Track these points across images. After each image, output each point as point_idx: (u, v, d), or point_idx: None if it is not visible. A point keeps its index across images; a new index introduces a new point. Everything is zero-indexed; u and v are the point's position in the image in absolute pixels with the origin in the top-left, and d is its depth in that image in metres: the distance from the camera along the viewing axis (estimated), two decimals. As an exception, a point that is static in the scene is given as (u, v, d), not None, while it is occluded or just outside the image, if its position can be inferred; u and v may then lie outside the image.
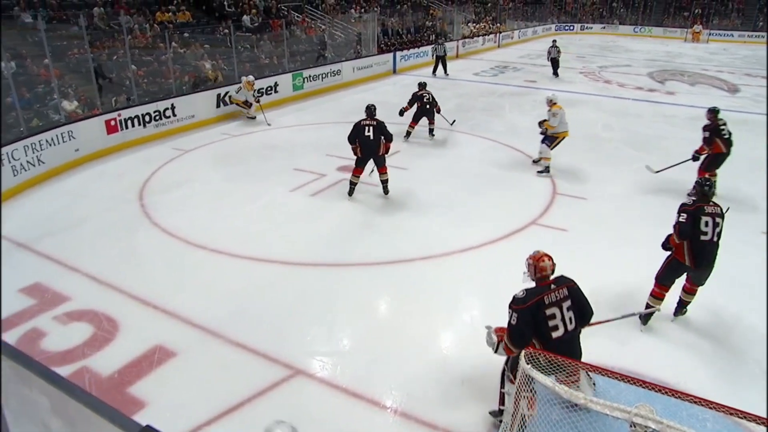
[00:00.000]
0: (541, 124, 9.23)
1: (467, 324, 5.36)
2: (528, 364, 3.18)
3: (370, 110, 8.04)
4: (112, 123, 10.49)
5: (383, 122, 7.95)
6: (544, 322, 3.70)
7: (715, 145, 8.09)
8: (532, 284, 3.86)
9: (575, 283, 3.91)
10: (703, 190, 5.20)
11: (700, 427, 3.43)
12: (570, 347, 3.71)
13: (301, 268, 6.33)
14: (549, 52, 19.02)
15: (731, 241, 5.51)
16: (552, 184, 8.92)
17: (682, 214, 5.06)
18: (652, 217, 7.79)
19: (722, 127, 8.12)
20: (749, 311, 5.52)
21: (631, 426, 2.65)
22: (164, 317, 5.36)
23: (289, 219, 7.65)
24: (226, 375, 4.62)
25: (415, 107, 11.11)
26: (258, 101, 12.86)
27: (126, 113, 10.80)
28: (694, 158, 8.30)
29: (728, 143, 8.11)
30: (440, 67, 19.09)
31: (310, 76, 15.65)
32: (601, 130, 12.17)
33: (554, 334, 3.70)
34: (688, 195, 5.09)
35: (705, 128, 8.16)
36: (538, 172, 9.25)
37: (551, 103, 9.10)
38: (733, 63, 21.93)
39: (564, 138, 9.16)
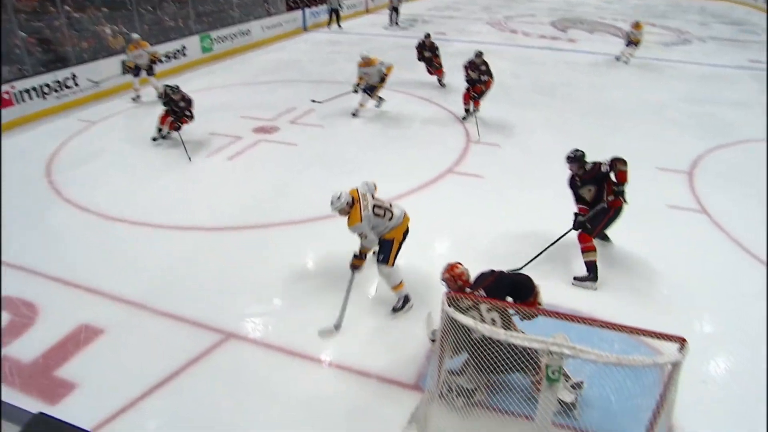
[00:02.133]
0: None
1: (378, 293, 5.44)
2: (450, 306, 3.28)
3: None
4: (6, 96, 9.65)
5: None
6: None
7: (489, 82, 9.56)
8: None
9: (494, 278, 3.92)
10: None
11: (608, 348, 3.69)
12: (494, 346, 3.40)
13: (227, 233, 6.20)
14: None
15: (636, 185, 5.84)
16: (465, 133, 9.09)
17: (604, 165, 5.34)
18: (560, 159, 8.14)
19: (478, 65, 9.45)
20: (657, 250, 5.91)
21: (548, 354, 2.81)
22: (87, 296, 5.12)
23: (209, 185, 7.42)
24: (158, 347, 4.51)
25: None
26: (150, 71, 10.98)
27: (20, 85, 9.93)
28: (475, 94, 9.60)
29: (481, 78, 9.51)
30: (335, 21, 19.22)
31: (218, 38, 14.95)
32: (509, 78, 12.42)
33: (473, 335, 3.43)
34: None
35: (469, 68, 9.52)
36: (352, 114, 9.87)
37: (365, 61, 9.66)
38: (625, 12, 22.80)
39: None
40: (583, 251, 5.39)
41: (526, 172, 7.73)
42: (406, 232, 4.91)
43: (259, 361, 4.39)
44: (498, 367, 3.29)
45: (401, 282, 4.90)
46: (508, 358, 3.21)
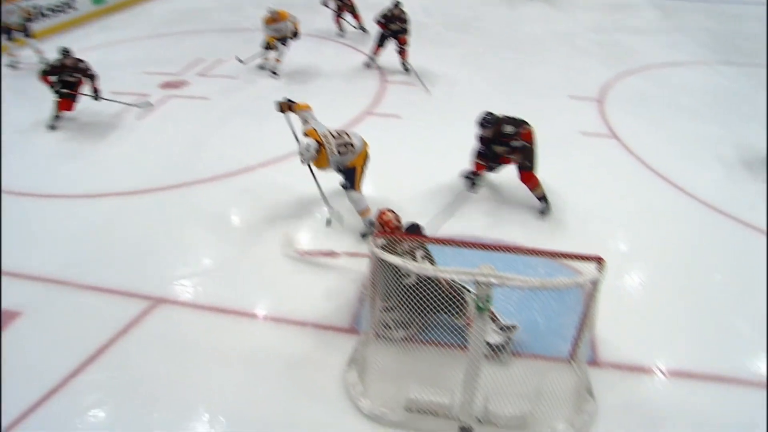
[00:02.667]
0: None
1: (320, 220, 5.44)
2: (379, 248, 3.33)
3: None
4: None
5: None
6: (396, 269, 3.50)
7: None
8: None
9: (421, 229, 4.16)
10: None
11: (532, 273, 3.87)
12: (422, 292, 3.53)
13: (144, 195, 5.94)
14: None
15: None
16: (380, 74, 9.01)
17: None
18: (477, 94, 8.27)
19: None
20: (572, 176, 6.16)
21: (475, 284, 2.91)
22: (-4, 278, 4.81)
23: (120, 147, 7.02)
24: (83, 322, 4.31)
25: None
26: (26, 32, 9.66)
27: None
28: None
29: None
30: None
31: (111, -13, 13.84)
32: (422, 16, 12.31)
33: (405, 281, 3.62)
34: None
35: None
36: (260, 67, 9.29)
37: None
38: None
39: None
40: (533, 189, 5.54)
41: (446, 111, 7.79)
42: (367, 158, 5.16)
43: (192, 323, 4.31)
44: (428, 309, 3.41)
45: (368, 207, 5.15)
46: (437, 299, 3.31)
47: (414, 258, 3.81)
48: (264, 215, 5.52)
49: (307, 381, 3.81)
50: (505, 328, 3.91)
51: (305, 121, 5.18)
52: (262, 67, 9.25)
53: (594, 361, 3.92)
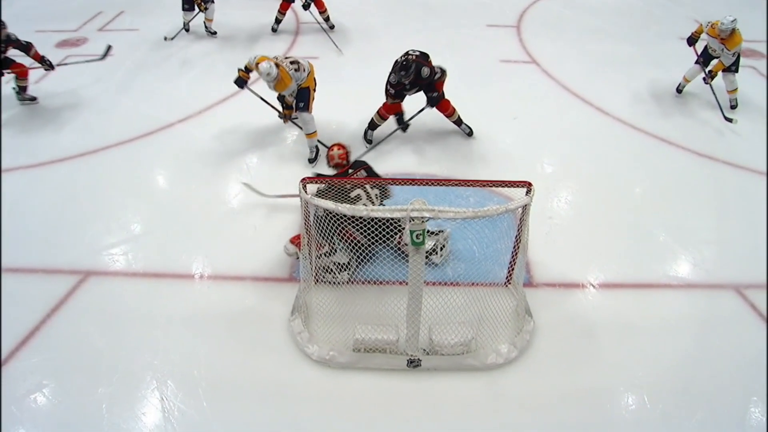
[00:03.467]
0: None
1: (244, 171, 5.36)
2: (310, 193, 3.32)
3: None
4: None
5: None
6: (351, 203, 3.84)
7: None
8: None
9: (369, 165, 4.28)
10: None
11: (465, 204, 3.98)
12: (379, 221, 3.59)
13: (53, 166, 5.58)
14: None
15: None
16: (296, 18, 8.70)
17: None
18: (391, 30, 8.14)
19: None
20: (494, 103, 6.23)
21: (410, 221, 2.95)
22: None
23: (19, 117, 6.51)
24: (8, 307, 4.07)
25: None
26: None
27: None
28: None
29: None
30: None
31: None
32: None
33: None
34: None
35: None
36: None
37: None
38: None
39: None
40: (449, 116, 5.60)
41: (361, 50, 7.64)
42: (315, 80, 5.46)
43: (126, 292, 4.19)
44: (368, 242, 3.45)
45: (315, 131, 5.47)
46: (374, 231, 3.34)
47: (368, 195, 3.97)
48: (188, 173, 5.35)
49: (253, 335, 3.82)
50: (432, 233, 4.09)
51: (254, 62, 5.24)
52: (188, 30, 8.56)
53: (530, 283, 4.13)
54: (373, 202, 4.03)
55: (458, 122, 5.67)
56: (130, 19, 8.96)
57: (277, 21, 8.14)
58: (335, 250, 4.02)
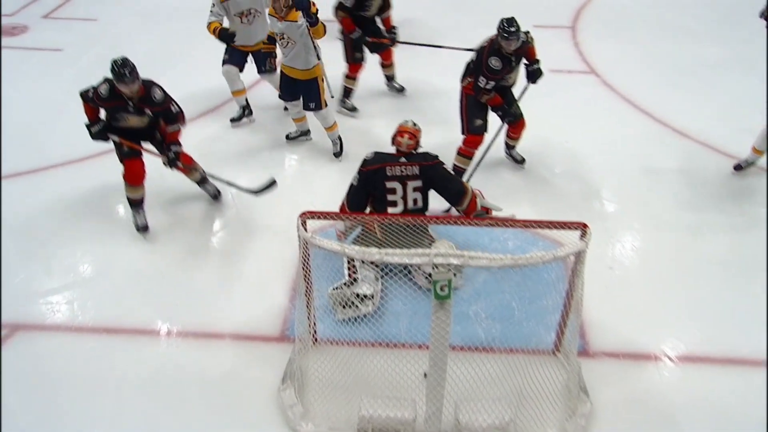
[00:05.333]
0: None
1: (229, 201, 5.52)
2: (308, 233, 3.43)
3: None
4: None
5: None
6: (382, 193, 4.46)
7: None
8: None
9: (436, 163, 4.53)
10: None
11: (502, 248, 4.06)
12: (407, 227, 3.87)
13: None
14: None
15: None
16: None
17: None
18: (420, 30, 8.32)
19: None
20: (544, 124, 6.33)
21: (433, 267, 3.03)
22: None
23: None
24: None
25: None
26: None
27: None
28: None
29: None
30: None
31: None
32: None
33: (390, 209, 4.45)
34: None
35: None
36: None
37: None
38: None
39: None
40: (518, 139, 5.82)
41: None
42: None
43: (67, 351, 4.26)
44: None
45: (335, 122, 6.03)
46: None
47: (404, 185, 4.47)
48: (153, 200, 5.41)
49: (232, 407, 3.87)
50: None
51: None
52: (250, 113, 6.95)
53: (585, 351, 4.12)
54: (406, 207, 4.44)
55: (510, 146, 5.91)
56: (85, 5, 9.29)
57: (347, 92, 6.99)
58: (356, 280, 4.26)
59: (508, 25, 4.99)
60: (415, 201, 4.49)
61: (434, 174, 4.51)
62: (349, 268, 4.37)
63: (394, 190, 4.46)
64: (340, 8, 6.31)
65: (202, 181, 5.36)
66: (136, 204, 5.12)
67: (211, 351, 4.25)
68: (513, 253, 3.12)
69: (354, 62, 6.61)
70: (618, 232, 5.16)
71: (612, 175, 5.80)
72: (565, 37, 8.16)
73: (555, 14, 8.70)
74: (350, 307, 4.26)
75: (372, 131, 6.39)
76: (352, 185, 4.54)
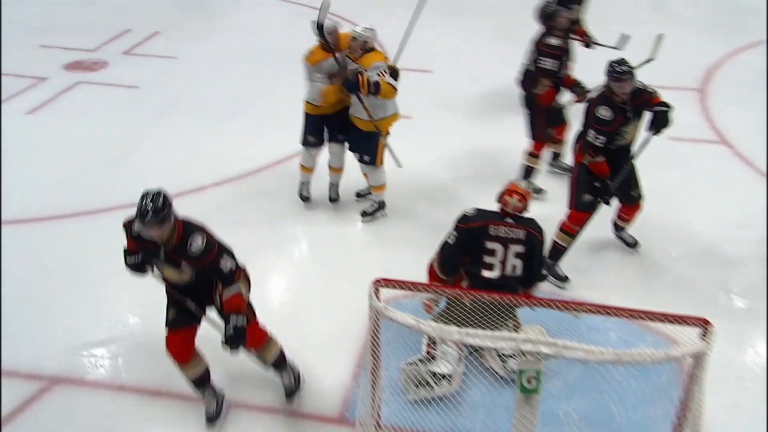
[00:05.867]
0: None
1: (298, 266, 5.51)
2: (381, 302, 3.34)
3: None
4: None
5: None
6: (480, 253, 4.32)
7: None
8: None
9: (541, 235, 4.41)
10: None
11: (602, 339, 3.86)
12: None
13: (35, 226, 6.00)
14: None
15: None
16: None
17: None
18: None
19: None
20: (662, 199, 6.14)
21: (520, 356, 2.91)
22: None
23: (5, 153, 7.00)
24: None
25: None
26: None
27: None
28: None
29: None
30: None
31: None
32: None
33: (486, 273, 4.32)
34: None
35: None
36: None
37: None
38: None
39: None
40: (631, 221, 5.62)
41: (471, 108, 7.91)
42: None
43: (106, 411, 4.28)
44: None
45: (384, 183, 6.00)
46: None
47: (506, 248, 4.32)
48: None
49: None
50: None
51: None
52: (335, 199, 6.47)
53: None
54: (503, 272, 4.31)
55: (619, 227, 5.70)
56: (165, 42, 9.79)
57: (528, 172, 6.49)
58: (434, 357, 4.17)
59: (618, 64, 4.85)
60: (513, 268, 4.35)
61: (536, 246, 4.38)
62: (428, 344, 4.27)
63: (493, 252, 4.33)
64: (542, 74, 5.98)
65: (278, 364, 4.30)
66: (198, 384, 4.14)
67: (263, 426, 4.21)
68: (616, 346, 2.95)
69: (544, 139, 6.26)
70: (752, 335, 4.87)
71: (744, 265, 5.54)
72: (691, 100, 7.97)
73: (681, 74, 8.51)
74: (424, 386, 4.15)
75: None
76: (446, 243, 4.42)
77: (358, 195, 6.39)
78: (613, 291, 5.01)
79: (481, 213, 4.37)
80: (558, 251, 5.29)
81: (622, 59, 4.90)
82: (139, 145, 7.22)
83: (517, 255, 4.32)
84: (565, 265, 5.37)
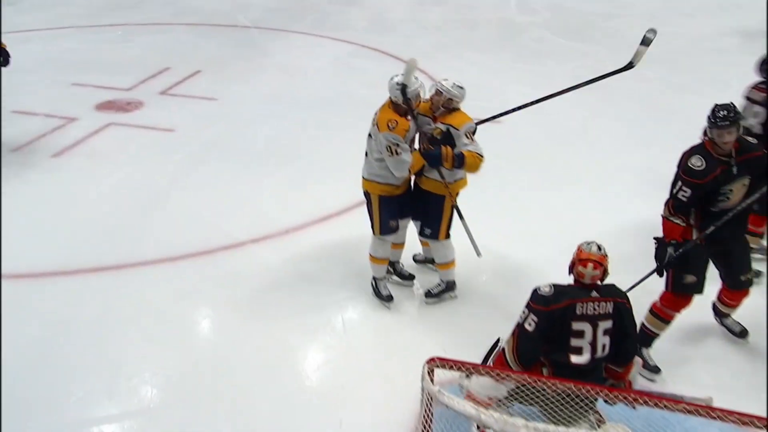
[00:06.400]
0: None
1: (341, 339, 5.38)
2: (435, 385, 3.29)
3: None
4: None
5: None
6: (566, 337, 4.01)
7: None
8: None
9: (627, 301, 4.18)
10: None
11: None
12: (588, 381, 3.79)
13: (57, 280, 5.98)
14: None
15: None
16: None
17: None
18: (599, 141, 8.21)
19: None
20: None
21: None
22: None
23: (27, 200, 7.16)
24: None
25: None
26: None
27: None
28: None
29: None
30: None
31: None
32: (516, 11, 12.60)
33: (574, 359, 4.01)
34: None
35: None
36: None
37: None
38: None
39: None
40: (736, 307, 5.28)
41: (550, 168, 7.82)
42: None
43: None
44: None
45: (453, 260, 5.64)
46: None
47: (595, 326, 4.04)
48: (247, 314, 5.50)
49: None
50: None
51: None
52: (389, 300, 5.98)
53: None
54: (593, 355, 4.04)
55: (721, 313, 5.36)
56: (206, 82, 9.93)
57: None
58: None
59: (720, 109, 4.58)
60: (603, 347, 4.10)
61: (626, 316, 4.15)
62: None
63: (582, 333, 4.06)
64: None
65: None
66: None
67: None
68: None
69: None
70: None
71: None
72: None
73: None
74: None
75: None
76: (523, 329, 4.11)
77: (416, 260, 6.15)
78: (717, 389, 4.72)
79: (560, 290, 4.10)
80: (648, 337, 5.04)
81: (729, 104, 4.62)
82: (171, 194, 7.24)
83: (606, 332, 4.09)
84: (656, 353, 5.15)
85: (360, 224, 5.87)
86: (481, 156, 5.13)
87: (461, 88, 5.19)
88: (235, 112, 9.11)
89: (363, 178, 5.43)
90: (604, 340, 4.05)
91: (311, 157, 7.98)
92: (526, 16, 12.58)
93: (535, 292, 4.06)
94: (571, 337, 4.02)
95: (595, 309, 4.03)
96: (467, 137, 5.13)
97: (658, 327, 4.99)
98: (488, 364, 4.26)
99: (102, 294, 5.85)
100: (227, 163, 7.86)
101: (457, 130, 5.12)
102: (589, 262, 4.09)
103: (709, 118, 4.60)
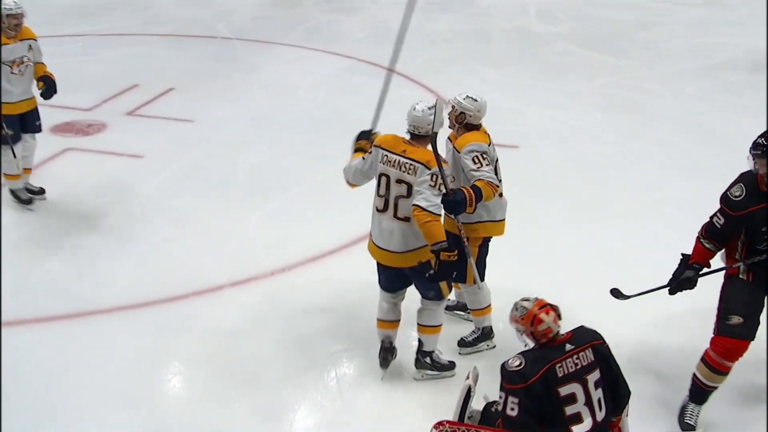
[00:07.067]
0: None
1: (331, 390, 5.32)
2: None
3: None
4: None
5: None
6: (557, 408, 3.88)
7: None
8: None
9: (603, 340, 4.13)
10: None
11: None
12: None
13: (8, 330, 5.87)
14: None
15: None
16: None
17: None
18: (630, 162, 8.18)
19: None
20: None
21: None
22: None
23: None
24: None
25: None
26: None
27: None
28: None
29: None
30: None
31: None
32: (534, 21, 12.64)
33: (576, 428, 3.89)
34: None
35: None
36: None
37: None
38: None
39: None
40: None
41: (583, 193, 7.79)
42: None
43: None
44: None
45: (489, 305, 5.55)
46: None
47: (584, 384, 3.98)
48: (232, 375, 5.42)
49: None
50: None
51: None
52: None
53: None
54: (594, 417, 3.95)
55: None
56: (180, 101, 9.95)
57: None
58: None
59: (762, 136, 4.53)
60: (599, 402, 4.00)
61: (609, 357, 4.09)
62: None
63: (573, 397, 3.96)
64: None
65: None
66: None
67: None
68: None
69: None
70: None
71: None
72: None
73: None
74: None
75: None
76: (507, 417, 3.96)
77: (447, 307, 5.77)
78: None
79: (531, 358, 3.96)
80: (702, 391, 4.91)
81: None
82: (140, 231, 7.19)
83: (597, 384, 4.00)
84: (707, 413, 5.07)
85: (355, 265, 5.88)
86: (494, 184, 4.98)
87: (475, 100, 5.14)
88: (214, 136, 9.09)
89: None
90: (598, 395, 3.98)
91: (300, 189, 7.97)
92: (548, 25, 12.64)
93: (504, 369, 3.93)
94: (563, 406, 3.93)
95: (576, 364, 3.95)
96: (474, 162, 4.99)
97: (712, 379, 4.83)
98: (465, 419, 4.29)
99: (55, 347, 5.76)
100: (204, 196, 7.84)
101: (459, 152, 5.07)
102: (542, 312, 4.01)
103: (751, 147, 4.58)
